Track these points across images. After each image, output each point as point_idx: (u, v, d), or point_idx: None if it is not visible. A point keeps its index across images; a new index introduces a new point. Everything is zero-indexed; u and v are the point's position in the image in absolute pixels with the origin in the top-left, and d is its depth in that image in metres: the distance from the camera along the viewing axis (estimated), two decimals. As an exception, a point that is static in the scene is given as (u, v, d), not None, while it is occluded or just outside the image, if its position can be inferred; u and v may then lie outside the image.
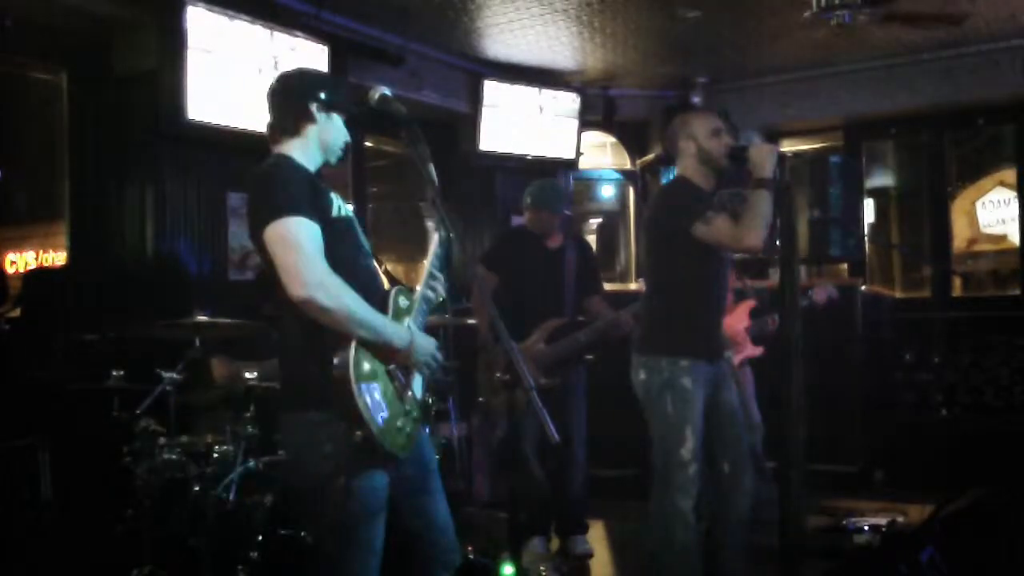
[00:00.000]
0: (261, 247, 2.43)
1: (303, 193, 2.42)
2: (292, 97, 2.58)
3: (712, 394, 3.52)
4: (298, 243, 2.35)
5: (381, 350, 2.44)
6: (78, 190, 4.94)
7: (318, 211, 2.42)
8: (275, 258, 2.37)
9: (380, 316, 2.45)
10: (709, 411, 3.50)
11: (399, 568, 2.60)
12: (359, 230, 2.62)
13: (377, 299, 2.52)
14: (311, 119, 2.56)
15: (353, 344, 2.37)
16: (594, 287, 4.93)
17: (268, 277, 2.48)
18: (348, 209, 2.60)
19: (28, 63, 4.96)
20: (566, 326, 4.73)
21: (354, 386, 2.34)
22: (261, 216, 2.40)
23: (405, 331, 2.50)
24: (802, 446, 3.12)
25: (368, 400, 2.36)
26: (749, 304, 5.23)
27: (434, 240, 2.75)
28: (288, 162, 2.53)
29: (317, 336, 2.40)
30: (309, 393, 2.43)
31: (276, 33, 5.15)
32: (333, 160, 2.64)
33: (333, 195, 2.55)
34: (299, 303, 2.34)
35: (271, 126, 2.60)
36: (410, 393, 2.52)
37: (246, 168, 2.67)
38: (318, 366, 2.40)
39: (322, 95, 2.58)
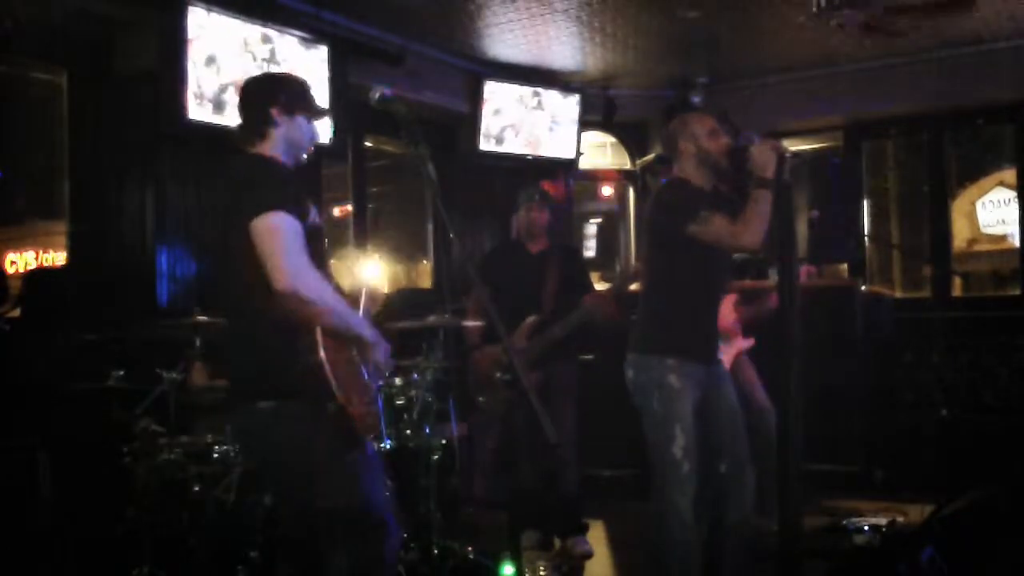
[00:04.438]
0: (238, 241, 2.52)
1: (288, 191, 2.57)
2: (254, 102, 2.77)
3: (706, 395, 3.50)
4: (285, 236, 2.48)
5: (351, 341, 2.63)
6: (78, 190, 4.94)
7: (298, 211, 2.55)
8: (260, 249, 2.48)
9: (352, 311, 2.70)
10: (704, 412, 3.49)
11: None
12: (324, 241, 2.80)
13: None
14: (273, 123, 2.73)
15: (319, 331, 2.52)
16: (583, 289, 4.97)
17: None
18: (318, 220, 2.77)
19: (28, 63, 4.95)
20: (543, 324, 4.79)
21: (327, 367, 2.50)
22: (247, 209, 2.51)
23: (373, 328, 2.71)
24: (801, 446, 3.12)
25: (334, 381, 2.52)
26: (731, 298, 5.22)
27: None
28: (271, 160, 2.70)
29: (288, 328, 2.52)
30: (284, 382, 2.55)
31: (276, 33, 5.16)
32: (303, 158, 2.82)
33: (310, 203, 2.71)
34: (282, 294, 2.45)
35: (241, 128, 2.78)
36: (370, 383, 2.69)
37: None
38: (291, 355, 2.53)
39: (282, 98, 2.74)
